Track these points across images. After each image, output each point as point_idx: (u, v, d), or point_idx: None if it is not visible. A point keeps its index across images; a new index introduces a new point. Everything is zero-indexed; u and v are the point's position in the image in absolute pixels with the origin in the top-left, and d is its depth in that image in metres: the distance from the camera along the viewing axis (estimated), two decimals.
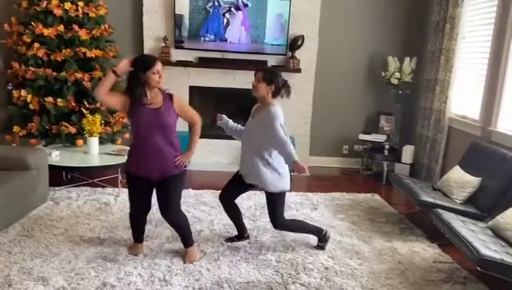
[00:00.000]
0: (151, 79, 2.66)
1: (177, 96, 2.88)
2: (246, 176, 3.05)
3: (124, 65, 2.66)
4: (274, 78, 2.94)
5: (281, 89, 2.98)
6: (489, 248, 2.59)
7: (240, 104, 5.88)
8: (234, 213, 3.25)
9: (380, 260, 3.11)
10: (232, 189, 3.19)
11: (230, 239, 3.28)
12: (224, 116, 3.22)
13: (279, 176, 2.96)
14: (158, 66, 2.68)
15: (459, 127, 4.44)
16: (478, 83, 4.18)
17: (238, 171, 3.15)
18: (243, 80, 5.37)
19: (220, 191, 3.22)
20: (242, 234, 3.29)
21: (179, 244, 3.13)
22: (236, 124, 3.22)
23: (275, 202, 3.03)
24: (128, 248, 3.03)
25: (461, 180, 3.61)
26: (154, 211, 3.74)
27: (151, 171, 2.76)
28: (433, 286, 2.79)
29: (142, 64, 2.66)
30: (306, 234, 3.28)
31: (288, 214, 3.86)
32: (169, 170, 2.77)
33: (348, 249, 3.23)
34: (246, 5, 5.09)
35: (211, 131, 5.68)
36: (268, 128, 2.87)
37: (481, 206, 3.39)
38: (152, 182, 2.80)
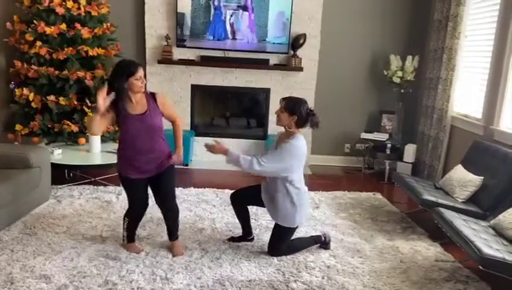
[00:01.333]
0: (134, 85, 2.66)
1: (160, 94, 2.90)
2: (265, 203, 3.02)
3: (102, 101, 2.56)
4: (297, 108, 2.80)
5: (306, 118, 2.84)
6: (491, 247, 2.59)
7: (242, 102, 5.92)
8: (243, 214, 3.19)
9: (381, 258, 3.11)
10: (248, 196, 3.13)
11: (232, 239, 3.26)
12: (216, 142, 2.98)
13: (294, 210, 2.91)
14: (140, 72, 2.68)
15: (461, 126, 4.43)
16: (480, 82, 4.16)
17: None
18: (244, 78, 5.37)
19: (232, 191, 3.20)
20: (246, 236, 3.25)
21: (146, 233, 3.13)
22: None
23: (282, 234, 3.00)
24: (127, 249, 3.01)
25: (463, 179, 3.60)
26: (156, 210, 3.76)
27: (147, 172, 2.81)
28: (435, 285, 2.78)
29: (124, 72, 2.64)
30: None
31: None
32: (164, 164, 2.84)
33: (349, 248, 3.23)
34: (252, 8, 5.08)
35: (213, 129, 5.70)
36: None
37: (483, 205, 3.38)
38: (147, 178, 2.84)
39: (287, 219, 2.94)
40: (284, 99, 2.89)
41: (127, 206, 3.76)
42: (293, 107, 2.82)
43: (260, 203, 3.05)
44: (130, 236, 3.02)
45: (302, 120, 2.84)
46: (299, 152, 2.84)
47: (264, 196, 3.01)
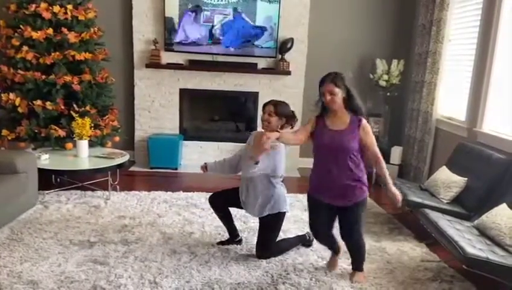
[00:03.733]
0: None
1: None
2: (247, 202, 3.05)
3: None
4: (285, 110, 2.93)
5: (292, 119, 2.99)
6: (475, 247, 2.64)
7: (230, 106, 5.94)
8: (225, 216, 3.23)
9: (369, 259, 3.14)
10: (226, 197, 3.16)
11: (221, 242, 3.28)
12: (208, 164, 3.23)
13: (283, 192, 3.00)
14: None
15: (446, 129, 4.51)
16: (464, 85, 4.25)
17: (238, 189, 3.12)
18: (233, 82, 5.40)
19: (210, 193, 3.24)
20: (233, 237, 3.29)
21: (169, 247, 3.14)
22: (218, 161, 3.26)
23: (272, 225, 3.03)
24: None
25: (448, 181, 3.67)
26: (144, 214, 3.77)
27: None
28: (421, 285, 2.83)
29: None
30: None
31: None
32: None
33: None
34: (239, 12, 5.12)
35: (202, 133, 5.71)
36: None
37: (467, 206, 3.45)
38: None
39: (280, 202, 2.97)
40: (269, 104, 2.94)
41: (115, 211, 3.78)
42: (282, 110, 2.92)
43: (239, 205, 3.10)
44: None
45: (288, 121, 2.97)
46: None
47: (246, 194, 3.02)
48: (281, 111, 2.90)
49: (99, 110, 4.62)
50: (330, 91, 2.62)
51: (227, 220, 3.25)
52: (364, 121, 2.68)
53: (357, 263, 2.86)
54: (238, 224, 3.62)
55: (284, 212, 3.04)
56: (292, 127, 2.98)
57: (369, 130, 2.68)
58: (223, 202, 3.17)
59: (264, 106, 2.95)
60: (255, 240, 3.33)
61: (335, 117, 2.68)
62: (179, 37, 5.14)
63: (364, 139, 2.65)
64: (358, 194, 2.61)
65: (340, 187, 2.60)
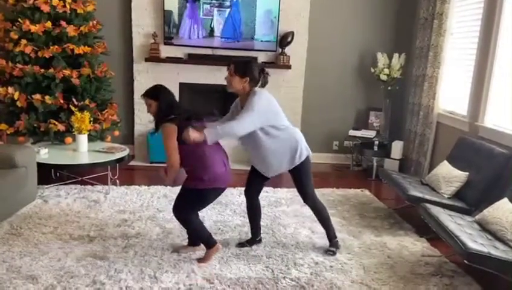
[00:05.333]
0: None
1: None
2: (265, 172, 2.96)
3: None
4: (248, 70, 2.72)
5: (258, 78, 2.77)
6: (476, 242, 2.63)
7: (230, 100, 5.89)
8: (255, 212, 3.15)
9: (369, 254, 3.14)
10: (254, 180, 3.08)
11: (241, 244, 3.16)
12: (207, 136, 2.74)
13: (295, 144, 2.84)
14: None
15: (447, 123, 4.49)
16: (466, 79, 4.22)
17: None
18: None
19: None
20: (255, 237, 3.19)
21: (169, 241, 3.14)
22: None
23: (303, 173, 2.93)
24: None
25: (449, 175, 3.65)
26: (144, 209, 3.76)
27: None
28: (422, 279, 2.82)
29: None
30: (323, 228, 3.16)
31: (279, 209, 3.89)
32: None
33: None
34: (240, 5, 5.08)
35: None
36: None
37: (468, 201, 3.44)
38: None
39: (297, 156, 2.84)
40: (231, 62, 2.79)
41: (114, 206, 3.77)
42: (243, 69, 2.73)
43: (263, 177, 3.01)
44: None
45: (255, 80, 2.76)
46: (268, 102, 2.75)
47: (259, 160, 2.90)
48: (242, 70, 2.71)
49: (99, 105, 4.60)
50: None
51: (255, 216, 3.16)
52: None
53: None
54: (237, 219, 3.63)
55: (307, 157, 2.91)
56: (253, 86, 2.77)
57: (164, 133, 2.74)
58: (255, 185, 3.10)
59: (228, 65, 2.79)
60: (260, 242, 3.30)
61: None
62: (182, 32, 5.10)
63: None
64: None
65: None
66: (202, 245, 2.93)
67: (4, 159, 3.39)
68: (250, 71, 2.74)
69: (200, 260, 2.87)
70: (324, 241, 3.28)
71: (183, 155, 2.68)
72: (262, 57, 5.33)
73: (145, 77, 5.32)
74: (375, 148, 5.20)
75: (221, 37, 5.17)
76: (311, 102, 5.50)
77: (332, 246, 3.14)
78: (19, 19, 4.27)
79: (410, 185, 3.66)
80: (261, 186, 3.13)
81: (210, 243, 2.87)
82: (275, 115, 2.81)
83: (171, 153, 2.65)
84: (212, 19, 5.13)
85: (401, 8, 5.48)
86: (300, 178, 2.97)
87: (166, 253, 2.97)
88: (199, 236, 2.91)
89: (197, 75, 5.36)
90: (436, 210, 3.08)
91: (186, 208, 2.80)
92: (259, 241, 3.21)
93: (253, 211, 3.16)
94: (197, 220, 2.86)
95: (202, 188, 2.73)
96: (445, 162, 3.87)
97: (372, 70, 5.35)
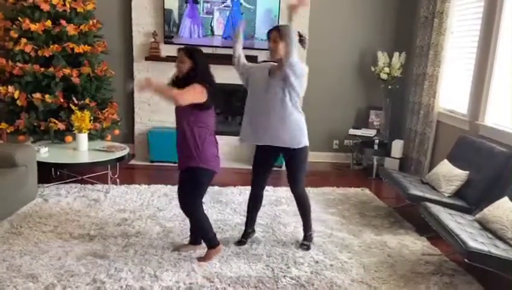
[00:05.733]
0: None
1: None
2: (267, 139, 2.95)
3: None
4: (288, 33, 2.77)
5: (299, 42, 2.88)
6: (476, 240, 2.63)
7: (231, 99, 5.90)
8: (255, 204, 3.20)
9: (369, 253, 3.14)
10: (259, 170, 3.10)
11: (240, 242, 3.17)
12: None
13: (299, 130, 2.93)
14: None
15: (447, 122, 4.49)
16: (466, 78, 4.21)
17: (257, 149, 3.08)
18: (233, 75, 5.34)
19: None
20: (248, 229, 3.24)
21: (169, 240, 3.14)
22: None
23: (296, 160, 2.99)
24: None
25: (449, 174, 3.65)
26: (144, 208, 3.76)
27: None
28: (422, 278, 2.82)
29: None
30: (309, 222, 3.20)
31: (279, 208, 3.89)
32: (183, 165, 2.81)
33: (338, 243, 3.26)
34: (239, 4, 5.08)
35: None
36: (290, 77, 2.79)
37: (469, 200, 3.43)
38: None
39: (301, 139, 2.94)
40: (272, 30, 2.88)
41: (115, 205, 3.77)
42: (285, 34, 2.78)
43: (272, 160, 3.07)
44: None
45: (296, 45, 2.82)
46: (303, 70, 2.88)
47: (269, 127, 2.91)
48: (285, 36, 2.78)
49: (99, 103, 4.59)
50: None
51: (255, 210, 3.22)
52: None
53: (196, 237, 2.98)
54: (237, 217, 3.63)
55: (306, 146, 3.01)
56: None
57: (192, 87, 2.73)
58: (262, 174, 3.11)
59: (269, 33, 2.89)
60: (255, 234, 3.32)
61: None
62: (182, 31, 5.10)
63: None
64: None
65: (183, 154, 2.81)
66: (203, 244, 2.93)
67: (4, 158, 3.39)
68: (291, 35, 2.79)
69: (201, 259, 2.87)
70: (323, 240, 3.28)
71: (191, 123, 2.70)
72: (262, 56, 5.32)
73: (145, 75, 5.30)
74: (376, 147, 5.19)
75: (222, 36, 5.17)
76: (311, 101, 5.47)
77: (307, 239, 3.18)
78: (19, 18, 4.27)
79: (411, 184, 3.66)
80: (267, 175, 3.14)
81: (213, 243, 2.88)
82: (300, 87, 2.92)
83: (188, 95, 2.61)
84: (212, 18, 5.13)
85: (402, 6, 5.47)
86: (296, 165, 3.02)
87: (167, 252, 2.97)
88: (204, 234, 2.90)
89: None
90: (436, 209, 3.08)
91: (189, 197, 2.79)
92: (253, 232, 3.26)
93: (255, 202, 3.20)
94: (204, 216, 2.85)
95: (194, 166, 2.72)
96: (446, 161, 3.86)
97: (373, 69, 5.35)
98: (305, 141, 2.98)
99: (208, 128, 2.77)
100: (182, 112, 2.72)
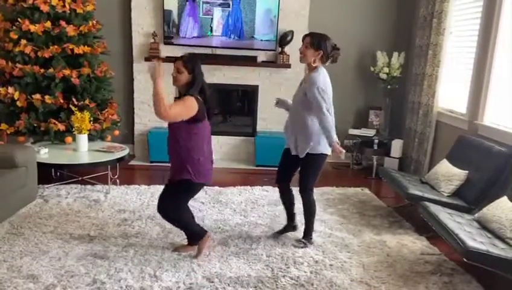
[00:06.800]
0: None
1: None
2: (291, 148, 3.07)
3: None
4: (322, 43, 2.90)
5: (330, 53, 2.95)
6: (475, 240, 2.64)
7: (230, 99, 5.91)
8: (286, 200, 3.26)
9: (369, 253, 3.15)
10: (284, 169, 3.20)
11: (279, 232, 3.30)
12: (280, 99, 3.28)
13: (318, 140, 2.98)
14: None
15: (446, 121, 4.49)
16: (465, 78, 4.22)
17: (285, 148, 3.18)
18: (232, 75, 5.37)
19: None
20: (289, 224, 3.30)
21: (169, 241, 3.14)
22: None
23: (307, 165, 3.04)
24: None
25: (448, 174, 3.65)
26: (144, 208, 3.76)
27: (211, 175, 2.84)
28: (421, 278, 2.83)
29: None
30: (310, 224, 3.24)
31: (279, 208, 3.89)
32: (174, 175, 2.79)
33: (337, 243, 3.27)
34: (239, 5, 5.08)
35: None
36: (307, 94, 2.90)
37: (468, 199, 3.44)
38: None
39: (322, 143, 3.00)
40: (307, 35, 2.96)
41: (115, 205, 3.78)
42: (318, 42, 2.90)
43: (296, 163, 3.11)
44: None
45: (326, 55, 2.94)
46: (325, 82, 2.94)
47: (289, 142, 3.08)
48: (317, 44, 2.88)
49: (99, 104, 4.60)
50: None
51: (287, 205, 3.27)
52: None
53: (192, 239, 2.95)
54: (237, 218, 3.64)
55: (321, 154, 3.06)
56: (323, 62, 2.98)
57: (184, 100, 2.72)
58: (284, 172, 3.19)
59: (303, 37, 2.98)
60: (255, 234, 3.34)
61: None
62: (182, 32, 5.11)
63: None
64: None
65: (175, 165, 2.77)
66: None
67: (4, 159, 3.39)
68: (325, 45, 2.90)
69: (196, 256, 2.89)
70: (323, 240, 3.29)
71: (184, 136, 2.69)
72: (262, 56, 5.34)
73: (145, 76, 5.31)
74: (375, 146, 5.20)
75: (221, 36, 5.17)
76: None
77: (306, 239, 3.20)
78: (19, 19, 4.27)
79: (410, 184, 3.67)
80: (290, 172, 3.21)
81: (202, 234, 2.90)
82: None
83: (175, 112, 2.60)
84: (211, 18, 5.14)
85: (401, 6, 5.48)
86: (307, 169, 3.07)
87: (167, 252, 2.97)
88: (190, 230, 2.92)
89: None
90: (435, 208, 3.09)
91: (175, 203, 2.80)
92: (294, 228, 3.32)
93: (285, 199, 3.27)
94: (186, 214, 2.86)
95: (188, 178, 2.72)
96: (445, 160, 3.87)
97: (372, 69, 5.35)
98: (313, 148, 3.00)
99: (203, 138, 2.75)
100: (173, 124, 2.71)
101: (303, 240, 3.19)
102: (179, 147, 2.71)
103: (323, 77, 2.93)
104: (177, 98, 2.80)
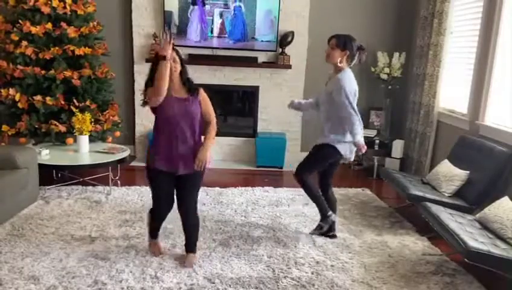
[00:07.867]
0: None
1: (202, 90, 2.89)
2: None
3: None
4: (348, 44, 2.98)
5: (355, 54, 3.02)
6: (476, 240, 2.64)
7: (231, 100, 5.92)
8: (329, 204, 3.30)
9: (370, 253, 3.14)
10: (321, 177, 3.31)
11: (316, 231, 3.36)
12: (294, 101, 3.40)
13: (339, 139, 3.09)
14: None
15: (447, 121, 4.49)
16: (466, 78, 4.22)
17: None
18: (233, 76, 5.37)
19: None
20: (325, 216, 3.29)
21: (170, 241, 3.14)
22: (305, 100, 3.44)
23: (313, 153, 3.16)
24: (148, 246, 3.00)
25: (450, 174, 3.65)
26: (145, 209, 3.76)
27: (174, 165, 2.68)
28: (423, 278, 2.82)
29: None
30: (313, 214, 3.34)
31: (280, 209, 3.90)
32: (190, 165, 2.69)
33: (339, 244, 3.26)
34: (240, 6, 5.09)
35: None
36: (333, 96, 2.96)
37: (469, 199, 3.44)
38: (174, 176, 2.74)
39: (341, 144, 3.09)
40: (332, 37, 3.04)
41: (116, 206, 3.78)
42: (344, 43, 2.98)
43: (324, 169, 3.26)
44: (151, 232, 2.97)
45: (352, 55, 3.02)
46: (351, 83, 3.00)
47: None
48: (343, 44, 2.97)
49: (100, 105, 4.61)
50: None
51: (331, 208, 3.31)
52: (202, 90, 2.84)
53: (192, 244, 2.88)
54: (238, 218, 3.63)
55: (331, 147, 3.16)
56: (348, 62, 3.05)
57: (207, 98, 2.83)
58: (323, 180, 3.32)
59: (329, 39, 3.07)
60: (256, 234, 3.34)
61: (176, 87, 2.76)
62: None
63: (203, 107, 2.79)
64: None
65: (189, 153, 2.69)
66: (197, 252, 2.92)
67: (6, 160, 3.40)
68: (350, 46, 3.01)
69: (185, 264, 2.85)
70: (324, 241, 3.29)
71: (200, 123, 2.76)
72: (262, 57, 5.34)
73: (145, 77, 5.31)
74: (376, 147, 5.20)
75: (222, 37, 5.18)
76: None
77: (323, 221, 3.27)
78: (20, 21, 4.28)
79: (411, 184, 3.66)
80: (325, 173, 3.31)
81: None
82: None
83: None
84: (212, 20, 5.14)
85: (401, 6, 5.48)
86: (311, 155, 3.20)
87: (167, 253, 2.97)
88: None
89: (198, 76, 5.34)
90: (436, 209, 3.08)
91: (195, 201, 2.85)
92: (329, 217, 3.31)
93: (329, 203, 3.30)
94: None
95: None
96: (446, 160, 3.87)
97: (373, 69, 5.35)
98: (328, 141, 3.14)
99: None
100: (191, 113, 2.71)
101: (321, 223, 3.29)
102: (195, 135, 2.73)
103: (348, 79, 2.99)
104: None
